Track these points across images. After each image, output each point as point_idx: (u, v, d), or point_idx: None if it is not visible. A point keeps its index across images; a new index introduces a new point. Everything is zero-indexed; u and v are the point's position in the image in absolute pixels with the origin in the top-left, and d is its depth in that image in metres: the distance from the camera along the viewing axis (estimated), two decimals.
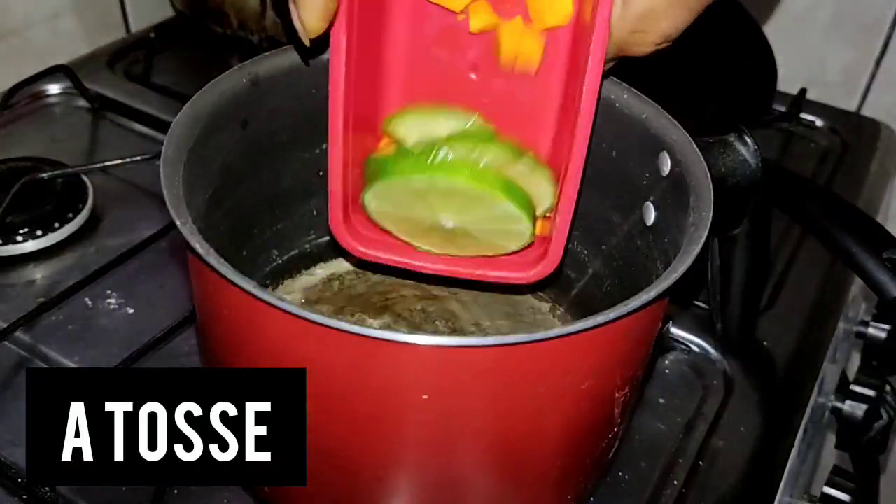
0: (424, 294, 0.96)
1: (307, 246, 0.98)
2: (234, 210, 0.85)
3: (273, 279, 0.96)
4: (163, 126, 1.39)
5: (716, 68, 1.40)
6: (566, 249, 0.78)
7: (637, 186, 0.83)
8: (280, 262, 0.96)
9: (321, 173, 0.94)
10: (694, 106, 1.49)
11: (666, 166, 0.78)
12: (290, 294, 0.95)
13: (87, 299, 1.06)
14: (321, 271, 0.98)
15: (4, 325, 0.98)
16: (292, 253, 0.97)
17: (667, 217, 0.79)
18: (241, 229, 0.88)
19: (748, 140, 0.79)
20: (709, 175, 0.72)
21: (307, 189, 0.94)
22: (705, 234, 0.65)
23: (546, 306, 0.98)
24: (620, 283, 0.90)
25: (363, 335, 0.48)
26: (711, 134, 0.85)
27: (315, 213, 0.96)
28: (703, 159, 0.75)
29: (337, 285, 0.97)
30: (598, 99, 0.69)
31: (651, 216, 0.82)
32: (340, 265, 0.99)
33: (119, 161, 1.21)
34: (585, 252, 0.94)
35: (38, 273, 1.11)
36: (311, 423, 0.61)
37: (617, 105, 0.83)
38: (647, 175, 0.81)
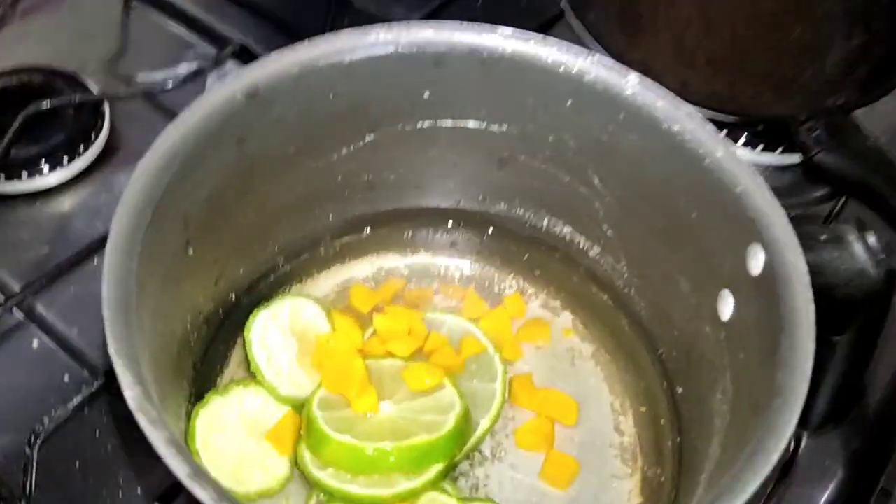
0: None
1: (322, 250, 0.85)
2: (239, 224, 0.73)
3: (282, 285, 0.84)
4: (199, 27, 1.21)
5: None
6: None
7: (715, 267, 0.67)
8: (288, 268, 0.84)
9: (339, 178, 0.79)
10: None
11: (757, 263, 0.61)
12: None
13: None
14: (333, 280, 0.86)
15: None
16: (303, 257, 0.84)
17: (746, 318, 0.64)
18: (247, 241, 0.76)
19: (871, 241, 0.61)
20: (811, 302, 0.56)
21: (323, 195, 0.80)
22: (793, 420, 0.50)
23: (589, 350, 0.84)
24: (677, 356, 0.75)
25: None
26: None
27: (331, 217, 0.83)
28: (807, 270, 0.58)
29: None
30: None
31: (727, 309, 0.66)
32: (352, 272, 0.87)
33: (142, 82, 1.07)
34: (643, 304, 0.79)
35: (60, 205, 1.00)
36: None
37: (706, 161, 0.65)
38: (732, 260, 0.64)
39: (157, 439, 0.48)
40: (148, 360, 0.55)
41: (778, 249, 0.59)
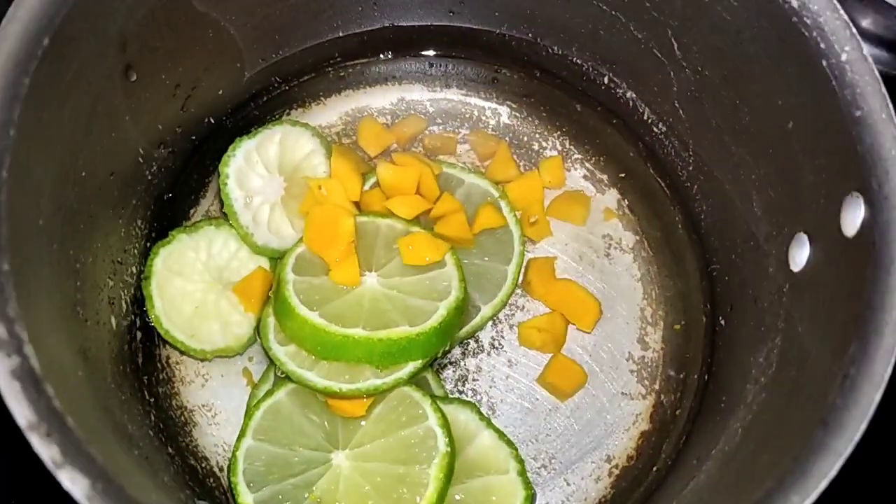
0: None
1: (330, 72, 0.70)
2: (205, 40, 0.58)
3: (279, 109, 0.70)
4: None
5: None
6: None
7: (798, 201, 0.51)
8: (286, 88, 0.70)
9: None
10: None
11: (853, 220, 0.45)
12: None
13: None
14: (343, 107, 0.72)
15: None
16: (306, 78, 0.70)
17: (820, 281, 0.48)
18: (223, 60, 0.62)
19: None
20: None
21: (325, 3, 0.63)
22: (831, 472, 0.37)
23: (630, 241, 0.69)
24: (729, 283, 0.61)
25: None
26: None
27: (340, 33, 0.67)
28: None
29: None
30: None
31: (800, 259, 0.51)
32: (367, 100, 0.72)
33: None
34: (705, 208, 0.64)
35: None
36: None
37: (826, 61, 0.46)
38: (821, 202, 0.48)
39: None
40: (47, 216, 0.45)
41: (885, 214, 0.43)
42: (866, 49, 0.46)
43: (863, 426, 0.39)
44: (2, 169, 0.41)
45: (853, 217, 0.45)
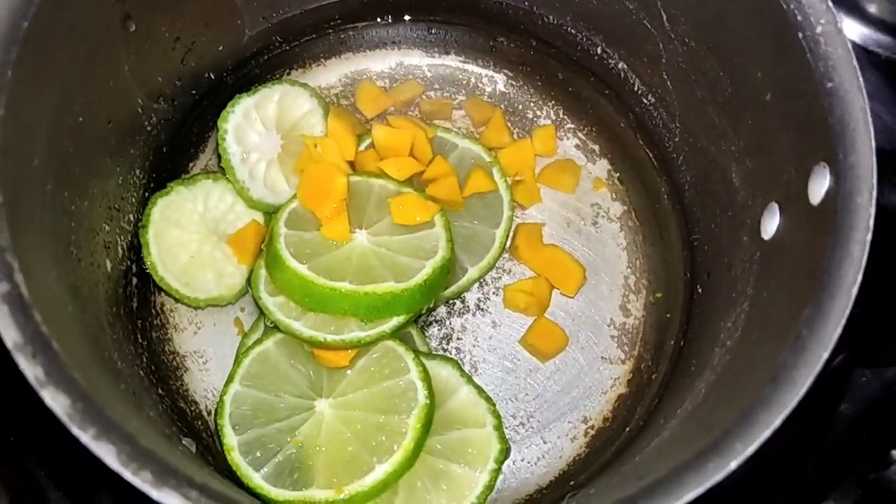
0: None
1: (330, 33, 0.72)
2: None
3: (279, 68, 0.72)
4: None
5: None
6: None
7: (772, 171, 0.52)
8: (286, 48, 0.71)
9: None
10: None
11: (818, 189, 0.46)
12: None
13: None
14: (342, 69, 0.73)
15: None
16: (306, 38, 0.71)
17: (786, 249, 0.50)
18: (222, 16, 0.63)
19: None
20: (860, 269, 0.42)
21: None
22: (766, 432, 0.39)
23: (618, 210, 0.71)
24: (709, 252, 0.62)
25: None
26: None
27: None
28: (871, 224, 0.43)
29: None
30: None
31: (771, 227, 0.52)
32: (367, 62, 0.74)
33: None
34: (689, 178, 0.65)
35: None
36: None
37: (802, 33, 0.47)
38: (792, 172, 0.49)
39: None
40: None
41: (848, 183, 0.44)
42: (873, 34, 0.47)
43: (809, 381, 0.40)
44: None
45: (819, 186, 0.46)
